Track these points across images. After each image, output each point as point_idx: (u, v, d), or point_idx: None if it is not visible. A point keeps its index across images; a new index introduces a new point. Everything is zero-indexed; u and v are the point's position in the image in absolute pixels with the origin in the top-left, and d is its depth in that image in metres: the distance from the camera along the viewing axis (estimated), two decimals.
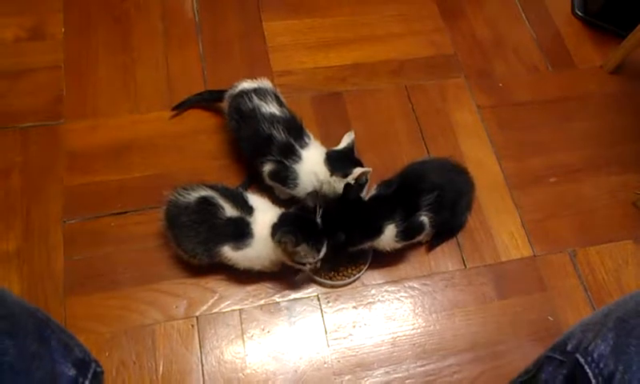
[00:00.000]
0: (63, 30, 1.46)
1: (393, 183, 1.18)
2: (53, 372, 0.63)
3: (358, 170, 1.17)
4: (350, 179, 1.17)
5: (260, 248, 1.11)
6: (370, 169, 1.20)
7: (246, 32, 1.53)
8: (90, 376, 0.69)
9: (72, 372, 0.65)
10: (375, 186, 1.21)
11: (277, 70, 1.48)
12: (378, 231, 1.14)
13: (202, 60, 1.47)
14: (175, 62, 1.46)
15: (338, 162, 1.19)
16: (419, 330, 1.21)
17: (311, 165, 1.19)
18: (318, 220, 1.12)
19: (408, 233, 1.17)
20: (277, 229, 1.08)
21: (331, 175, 1.18)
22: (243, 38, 1.52)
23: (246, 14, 1.56)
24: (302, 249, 1.08)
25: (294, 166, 1.18)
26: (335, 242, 1.11)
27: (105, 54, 1.45)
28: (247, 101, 1.22)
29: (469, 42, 1.62)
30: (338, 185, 1.17)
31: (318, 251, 1.10)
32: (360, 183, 1.20)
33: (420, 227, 1.18)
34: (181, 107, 1.37)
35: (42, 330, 0.63)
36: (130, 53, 1.45)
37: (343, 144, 1.22)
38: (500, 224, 1.35)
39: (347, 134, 1.23)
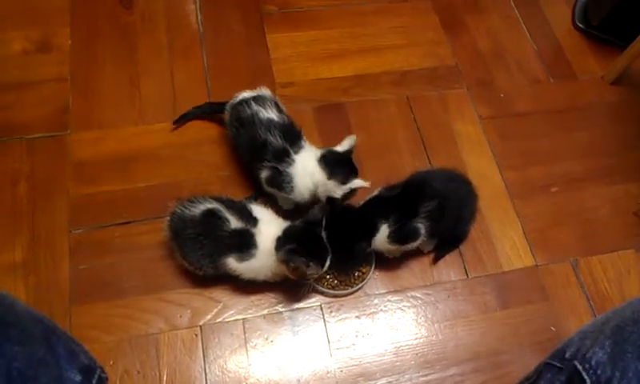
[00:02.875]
0: (70, 42, 1.48)
1: (397, 188, 1.20)
2: (59, 377, 0.64)
3: (357, 183, 1.17)
4: (347, 188, 1.17)
5: (264, 259, 1.12)
6: (369, 184, 1.19)
7: (249, 44, 1.55)
8: (94, 382, 0.69)
9: (78, 378, 0.66)
10: (379, 189, 1.22)
11: (280, 81, 1.49)
12: (374, 228, 1.16)
13: (206, 72, 1.49)
14: (180, 73, 1.47)
15: (337, 166, 1.19)
16: (422, 340, 1.21)
17: (304, 167, 1.20)
18: (324, 233, 1.12)
19: (401, 236, 1.17)
20: (281, 244, 1.09)
21: (329, 178, 1.18)
22: (247, 49, 1.54)
23: (250, 27, 1.58)
24: (310, 267, 1.09)
25: (287, 169, 1.19)
26: (359, 252, 1.14)
27: (110, 65, 1.46)
28: (246, 108, 1.24)
29: (470, 53, 1.64)
30: (334, 189, 1.18)
31: (322, 266, 1.11)
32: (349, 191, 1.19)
33: (414, 232, 1.18)
34: (181, 121, 1.39)
35: (48, 336, 0.64)
36: (136, 65, 1.47)
37: (344, 147, 1.22)
38: (502, 234, 1.35)
39: (349, 137, 1.22)
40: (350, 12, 1.66)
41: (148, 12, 1.57)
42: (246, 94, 1.28)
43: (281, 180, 1.20)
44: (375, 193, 1.21)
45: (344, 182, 1.18)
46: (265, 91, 1.29)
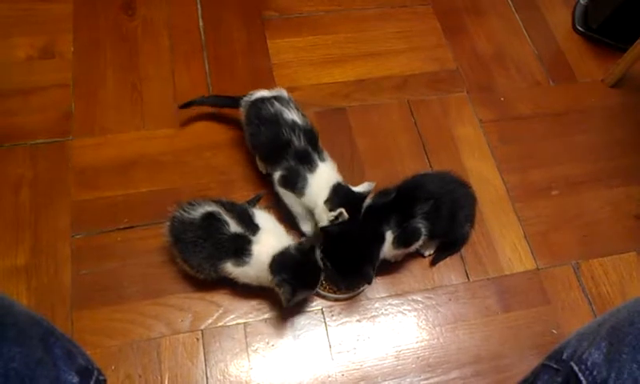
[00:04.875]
0: (72, 48, 1.49)
1: (391, 192, 1.20)
2: (57, 379, 0.64)
3: (337, 212, 1.15)
4: (330, 217, 1.16)
5: (258, 268, 1.12)
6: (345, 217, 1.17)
7: (250, 49, 1.56)
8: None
9: (75, 379, 0.66)
10: (371, 197, 1.22)
11: (281, 86, 1.49)
12: (382, 237, 1.16)
13: (208, 77, 1.50)
14: (181, 79, 1.48)
15: (341, 197, 1.18)
16: (423, 344, 1.21)
17: (323, 181, 1.19)
18: (320, 254, 1.14)
19: (404, 239, 1.18)
20: (276, 269, 1.09)
21: (325, 202, 1.17)
22: (248, 55, 1.55)
23: (251, 32, 1.59)
24: (297, 294, 1.11)
25: (307, 174, 1.19)
26: (367, 275, 1.13)
27: (113, 71, 1.47)
28: (269, 106, 1.24)
29: (471, 57, 1.64)
30: (323, 214, 1.18)
31: (312, 291, 1.14)
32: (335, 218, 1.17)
33: (415, 233, 1.18)
34: (188, 106, 1.40)
35: (46, 337, 0.65)
36: (137, 70, 1.48)
37: (360, 189, 1.20)
38: (503, 237, 1.36)
39: (368, 182, 1.20)
40: (350, 17, 1.67)
41: (150, 18, 1.58)
42: (266, 93, 1.28)
43: (296, 181, 1.19)
44: (369, 202, 1.21)
45: (331, 210, 1.16)
46: (283, 92, 1.30)
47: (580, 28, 1.73)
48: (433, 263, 1.30)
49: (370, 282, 1.16)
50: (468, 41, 1.68)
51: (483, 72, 1.62)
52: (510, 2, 1.78)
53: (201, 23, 1.59)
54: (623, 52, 1.58)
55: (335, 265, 1.16)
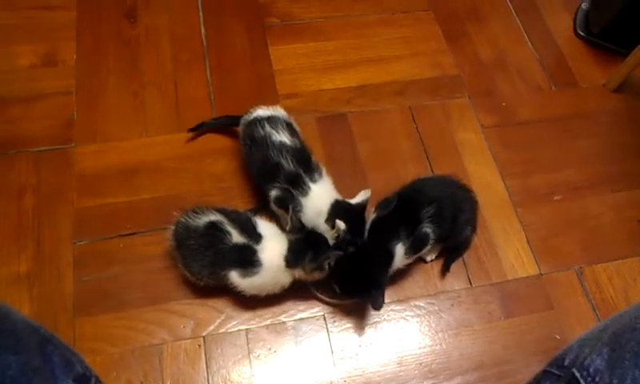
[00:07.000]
0: (75, 56, 1.50)
1: (392, 201, 1.18)
2: None
3: (336, 228, 1.16)
4: (335, 233, 1.16)
5: (268, 276, 1.12)
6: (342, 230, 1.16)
7: (252, 56, 1.56)
8: None
9: None
10: (374, 209, 1.21)
11: (283, 92, 1.50)
12: (391, 255, 1.15)
13: (209, 84, 1.50)
14: (183, 86, 1.49)
15: (342, 214, 1.17)
16: (425, 350, 1.20)
17: (319, 202, 1.19)
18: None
19: (415, 246, 1.18)
20: (297, 257, 1.11)
21: (325, 221, 1.18)
22: (249, 62, 1.55)
23: (253, 39, 1.59)
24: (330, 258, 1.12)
25: (299, 197, 1.18)
26: (376, 306, 1.13)
27: (115, 79, 1.48)
28: (260, 128, 1.24)
29: (472, 62, 1.64)
30: (327, 234, 1.18)
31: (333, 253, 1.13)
32: (337, 234, 1.18)
33: (425, 238, 1.18)
34: (198, 129, 1.40)
35: (44, 345, 0.65)
36: (140, 78, 1.49)
37: (357, 200, 1.20)
38: (505, 242, 1.35)
39: (364, 191, 1.20)
40: (352, 23, 1.67)
41: (152, 26, 1.58)
42: (261, 112, 1.27)
43: (290, 203, 1.18)
44: (373, 216, 1.20)
45: (333, 226, 1.16)
46: (279, 111, 1.29)
47: (581, 33, 1.73)
48: (442, 274, 1.29)
49: (379, 309, 1.14)
50: (469, 46, 1.68)
51: (485, 77, 1.62)
52: (511, 7, 1.78)
53: (202, 30, 1.60)
54: (625, 57, 1.57)
55: (344, 290, 1.16)
